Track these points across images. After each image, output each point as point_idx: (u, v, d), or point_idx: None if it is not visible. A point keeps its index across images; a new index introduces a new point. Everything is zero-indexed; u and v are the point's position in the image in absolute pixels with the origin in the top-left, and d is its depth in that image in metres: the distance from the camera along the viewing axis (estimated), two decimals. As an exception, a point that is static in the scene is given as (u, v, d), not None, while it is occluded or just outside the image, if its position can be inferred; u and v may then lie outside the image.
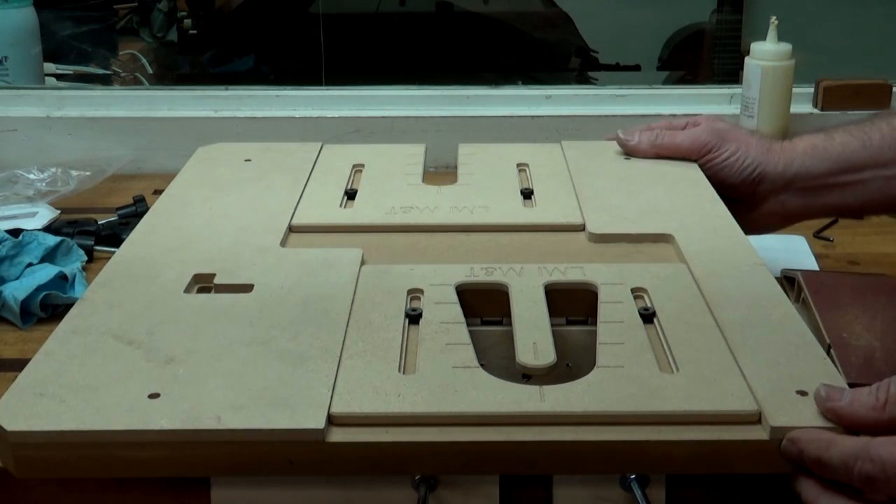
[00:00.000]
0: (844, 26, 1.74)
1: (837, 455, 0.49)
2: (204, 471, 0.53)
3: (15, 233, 0.89)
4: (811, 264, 0.91)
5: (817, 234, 0.99)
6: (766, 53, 1.10)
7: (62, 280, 0.83)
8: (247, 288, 0.66)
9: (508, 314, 0.63)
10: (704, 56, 1.83)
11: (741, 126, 0.89)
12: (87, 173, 1.11)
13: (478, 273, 0.68)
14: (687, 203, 0.79)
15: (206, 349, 0.58)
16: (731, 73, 1.62)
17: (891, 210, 0.85)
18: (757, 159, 0.82)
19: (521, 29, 1.93)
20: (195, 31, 1.90)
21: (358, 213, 0.79)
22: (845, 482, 0.49)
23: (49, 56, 1.45)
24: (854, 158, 0.80)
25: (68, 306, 0.66)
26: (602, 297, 0.64)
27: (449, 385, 0.54)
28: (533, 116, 1.18)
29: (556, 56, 1.93)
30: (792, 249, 0.88)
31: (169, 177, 0.87)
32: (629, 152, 0.89)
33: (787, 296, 0.67)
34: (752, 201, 0.83)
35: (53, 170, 1.12)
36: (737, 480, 0.54)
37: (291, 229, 0.77)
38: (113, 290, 0.66)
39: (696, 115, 1.18)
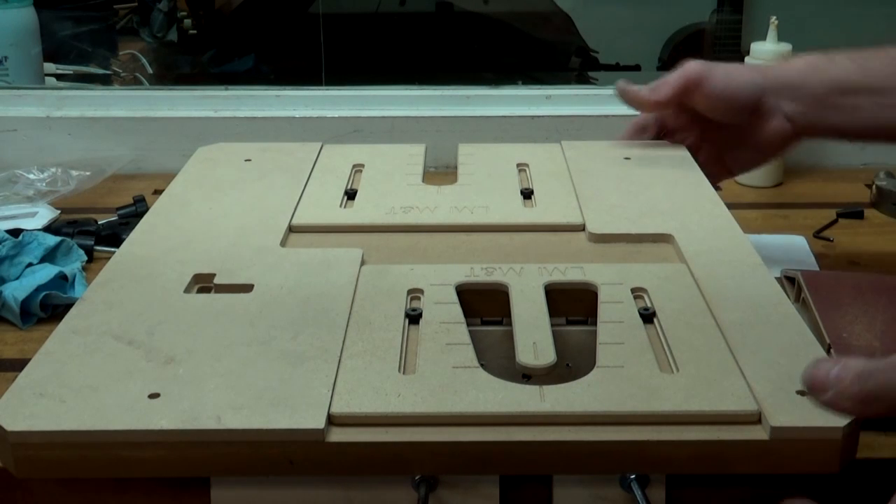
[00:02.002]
0: (844, 26, 1.74)
1: None
2: (204, 471, 0.53)
3: (15, 233, 0.89)
4: (811, 264, 0.91)
5: (817, 235, 0.99)
6: (766, 53, 1.10)
7: (62, 280, 0.83)
8: (247, 288, 0.66)
9: (508, 314, 0.63)
10: (704, 56, 1.83)
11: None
12: (87, 173, 1.11)
13: (478, 273, 0.68)
14: (687, 203, 0.79)
15: (206, 349, 0.58)
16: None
17: (885, 139, 0.85)
18: (753, 75, 0.84)
19: (521, 29, 1.93)
20: (195, 31, 1.90)
21: (358, 213, 0.79)
22: None
23: (49, 56, 1.45)
24: (850, 81, 0.81)
25: (68, 306, 0.66)
26: (602, 297, 0.65)
27: (449, 385, 0.54)
28: (533, 116, 1.18)
29: (556, 56, 1.93)
30: (792, 249, 0.88)
31: (169, 177, 0.87)
32: (634, 102, 0.88)
33: (787, 296, 0.67)
34: (755, 120, 0.83)
35: (53, 170, 1.12)
36: (737, 480, 0.54)
37: (291, 229, 0.77)
38: (113, 290, 0.66)
39: None
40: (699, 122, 0.88)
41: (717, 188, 0.83)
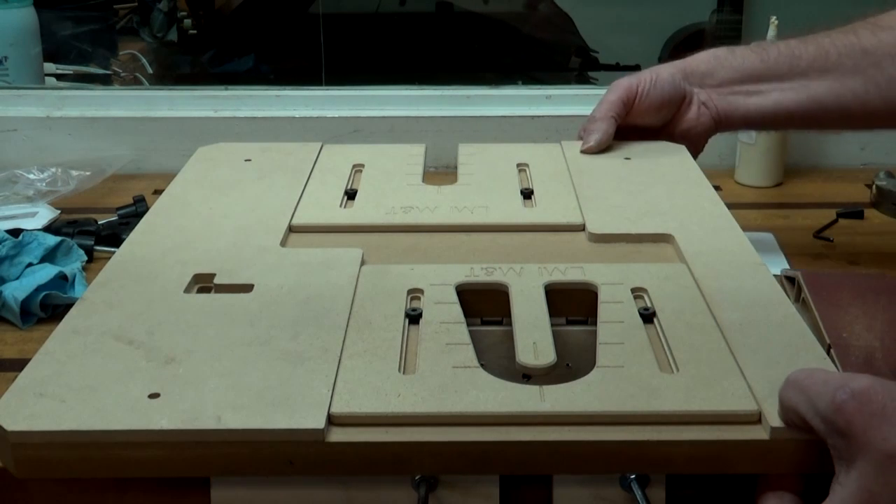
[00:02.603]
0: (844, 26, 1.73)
1: None
2: (204, 471, 0.53)
3: (15, 233, 0.89)
4: (780, 262, 0.91)
5: (817, 235, 0.99)
6: (766, 53, 1.09)
7: (62, 280, 0.83)
8: (247, 288, 0.66)
9: (508, 314, 0.63)
10: (705, 56, 1.83)
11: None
12: (87, 173, 1.11)
13: (478, 273, 0.68)
14: (687, 203, 0.79)
15: (206, 349, 0.58)
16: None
17: (793, 124, 0.91)
18: (679, 64, 0.89)
19: (521, 29, 1.93)
20: (195, 31, 1.90)
21: (358, 213, 0.79)
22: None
23: (49, 56, 1.45)
24: (752, 70, 0.86)
25: (68, 306, 0.66)
26: (602, 297, 0.65)
27: (449, 385, 0.54)
28: (533, 116, 1.18)
29: (556, 56, 1.93)
30: (760, 248, 0.86)
31: (169, 177, 0.87)
32: (594, 151, 0.90)
33: (787, 296, 0.67)
34: (679, 112, 0.89)
35: (53, 170, 1.12)
36: (737, 480, 0.54)
37: (291, 229, 0.77)
38: (113, 290, 0.66)
39: None
40: (629, 130, 0.92)
41: (717, 188, 0.83)
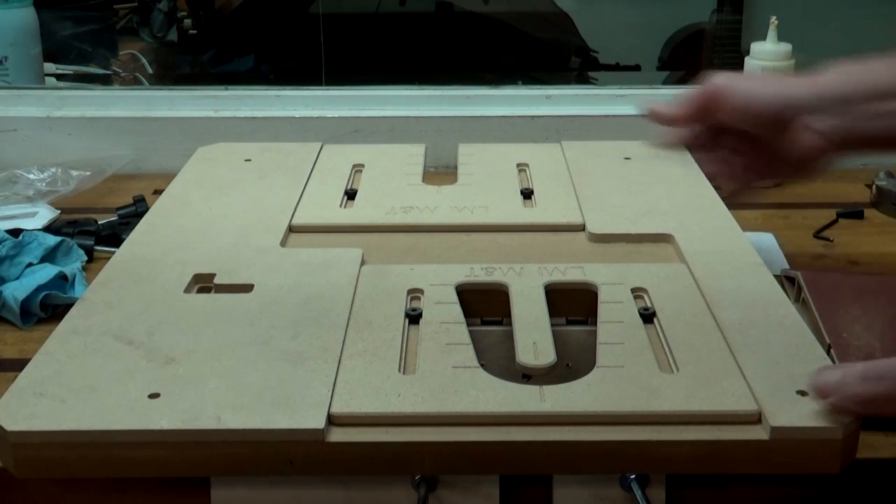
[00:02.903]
0: (844, 26, 1.74)
1: None
2: (204, 471, 0.53)
3: (15, 233, 0.89)
4: (780, 262, 0.91)
5: (817, 235, 0.99)
6: (766, 53, 1.09)
7: (62, 280, 0.83)
8: (247, 288, 0.66)
9: (508, 314, 0.63)
10: (704, 56, 1.83)
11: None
12: (87, 173, 1.11)
13: (478, 273, 0.68)
14: (687, 203, 0.79)
15: (206, 349, 0.58)
16: (731, 74, 1.61)
17: None
18: (779, 87, 0.77)
19: (521, 29, 1.93)
20: (195, 31, 1.90)
21: (358, 213, 0.79)
22: None
23: (49, 56, 1.45)
24: (884, 85, 0.75)
25: (68, 306, 0.66)
26: (602, 297, 0.65)
27: (449, 385, 0.54)
28: (533, 116, 1.18)
29: (556, 56, 1.93)
30: (760, 248, 0.86)
31: (169, 177, 0.87)
32: (661, 119, 0.83)
33: (787, 296, 0.67)
34: (781, 130, 0.76)
35: (53, 170, 1.11)
36: (737, 480, 0.54)
37: (291, 229, 0.77)
38: (113, 290, 0.66)
39: None
40: (730, 135, 0.82)
41: (717, 188, 0.83)
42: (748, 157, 0.82)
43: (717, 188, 0.83)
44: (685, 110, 0.81)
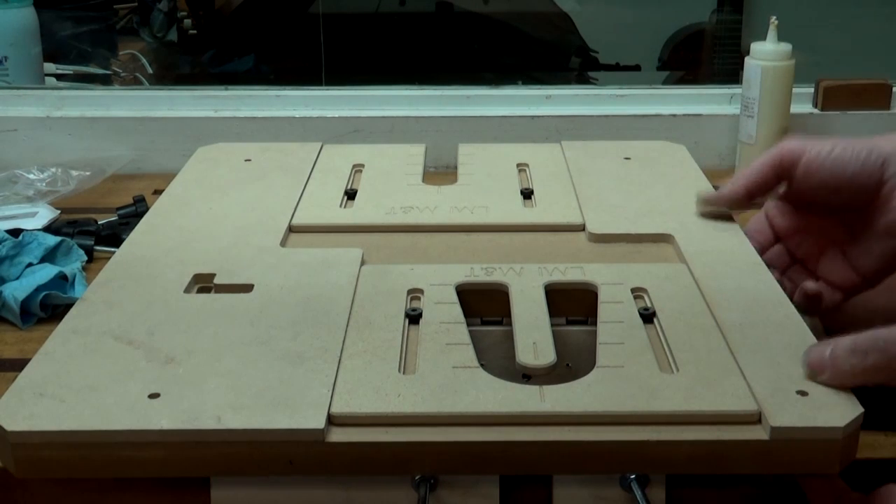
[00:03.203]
0: (844, 26, 1.74)
1: None
2: (204, 471, 0.53)
3: (15, 233, 0.89)
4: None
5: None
6: (766, 53, 1.09)
7: (62, 280, 0.83)
8: (247, 288, 0.66)
9: (508, 314, 0.63)
10: (704, 56, 1.83)
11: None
12: (87, 173, 1.11)
13: (478, 273, 0.68)
14: (687, 203, 0.79)
15: (206, 349, 0.58)
16: (731, 73, 1.62)
17: None
18: (869, 143, 0.66)
19: (521, 29, 1.93)
20: (195, 31, 1.90)
21: (358, 213, 0.79)
22: None
23: (49, 56, 1.45)
24: None
25: (68, 306, 0.66)
26: (602, 297, 0.65)
27: (449, 385, 0.54)
28: (533, 116, 1.18)
29: (556, 56, 1.93)
30: None
31: (169, 177, 0.87)
32: (715, 203, 0.75)
33: (787, 296, 0.67)
34: (881, 196, 0.66)
35: (53, 170, 1.11)
36: (737, 480, 0.54)
37: (291, 229, 0.77)
38: (113, 290, 0.66)
39: (698, 115, 1.18)
40: (811, 218, 0.71)
41: (716, 188, 0.83)
42: (833, 248, 0.70)
43: (717, 188, 0.83)
44: (754, 181, 0.70)
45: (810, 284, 0.67)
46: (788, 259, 0.72)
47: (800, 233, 0.72)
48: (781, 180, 0.69)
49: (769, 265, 0.70)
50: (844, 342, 0.54)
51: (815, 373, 0.54)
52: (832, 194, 0.67)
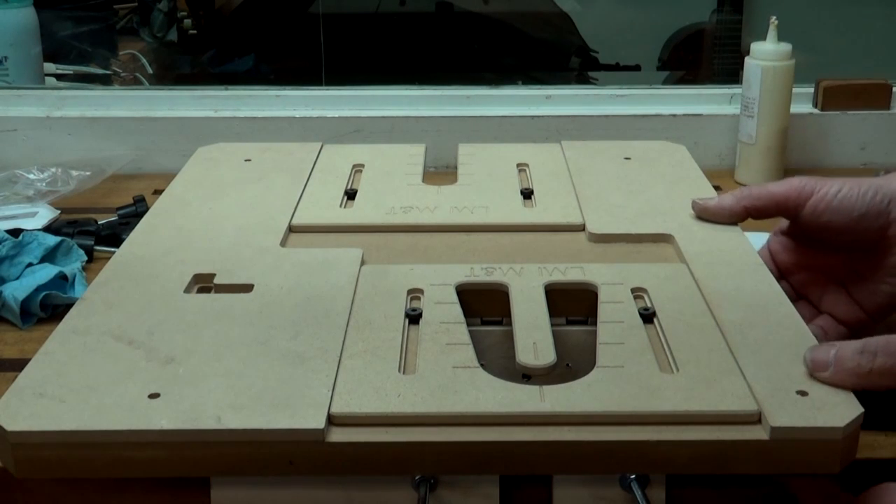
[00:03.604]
0: (844, 26, 1.74)
1: None
2: (204, 471, 0.53)
3: (15, 233, 0.89)
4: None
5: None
6: (766, 53, 1.10)
7: (62, 280, 0.83)
8: (247, 288, 0.66)
9: (508, 314, 0.63)
10: (704, 56, 1.83)
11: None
12: (87, 173, 1.11)
13: (478, 273, 0.68)
14: (687, 203, 0.79)
15: (206, 349, 0.58)
16: (731, 73, 1.62)
17: None
18: (875, 183, 0.66)
19: (521, 29, 1.93)
20: (195, 31, 1.90)
21: (358, 213, 0.79)
22: None
23: (49, 56, 1.45)
24: None
25: (68, 306, 0.66)
26: (602, 297, 0.65)
27: (449, 385, 0.54)
28: (533, 116, 1.18)
29: (556, 56, 1.93)
30: (760, 247, 0.84)
31: (169, 177, 0.87)
32: (712, 215, 0.75)
33: (787, 296, 0.67)
34: (888, 237, 0.66)
35: (53, 170, 1.12)
36: (737, 480, 0.54)
37: (291, 229, 0.77)
38: (113, 290, 0.66)
39: (698, 115, 1.18)
40: (816, 255, 0.72)
41: (717, 188, 0.83)
42: (836, 285, 0.71)
43: (717, 188, 0.83)
44: (756, 204, 0.71)
45: (813, 328, 0.65)
46: (793, 294, 0.72)
47: (804, 269, 0.72)
48: (781, 215, 0.70)
49: None
50: (852, 343, 0.54)
51: (817, 368, 0.54)
52: (839, 234, 0.67)
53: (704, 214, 0.76)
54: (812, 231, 0.69)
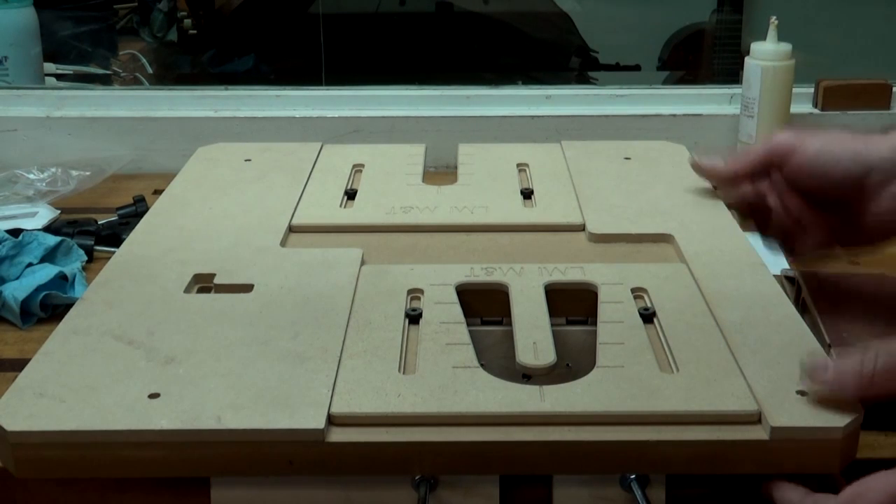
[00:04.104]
0: (844, 26, 1.74)
1: None
2: (204, 471, 0.53)
3: (15, 233, 0.89)
4: (780, 262, 0.90)
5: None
6: (766, 53, 1.09)
7: (62, 280, 0.83)
8: (247, 288, 0.66)
9: (508, 314, 0.63)
10: (704, 56, 1.83)
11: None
12: (87, 173, 1.11)
13: (478, 273, 0.68)
14: (687, 203, 0.79)
15: (206, 349, 0.58)
16: (731, 73, 1.61)
17: None
18: (853, 146, 0.69)
19: (521, 29, 1.93)
20: (195, 31, 1.90)
21: (358, 213, 0.79)
22: None
23: (49, 56, 1.45)
24: None
25: (68, 306, 0.66)
26: (602, 297, 0.65)
27: (449, 385, 0.54)
28: (533, 116, 1.18)
29: (556, 56, 1.93)
30: (760, 248, 0.85)
31: (169, 177, 0.87)
32: (703, 172, 0.79)
33: (787, 296, 0.67)
34: (861, 198, 0.69)
35: (53, 170, 1.11)
36: (737, 480, 0.54)
37: (291, 229, 0.77)
38: (113, 290, 0.66)
39: (698, 115, 1.18)
40: (799, 201, 0.73)
41: (716, 188, 0.83)
42: (816, 229, 0.73)
43: (717, 188, 0.83)
44: (742, 166, 0.74)
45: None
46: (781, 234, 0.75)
47: (784, 210, 0.74)
48: (769, 171, 0.72)
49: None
50: (851, 350, 0.53)
51: (816, 373, 0.53)
52: (812, 187, 0.70)
53: (696, 172, 0.79)
54: (797, 184, 0.71)
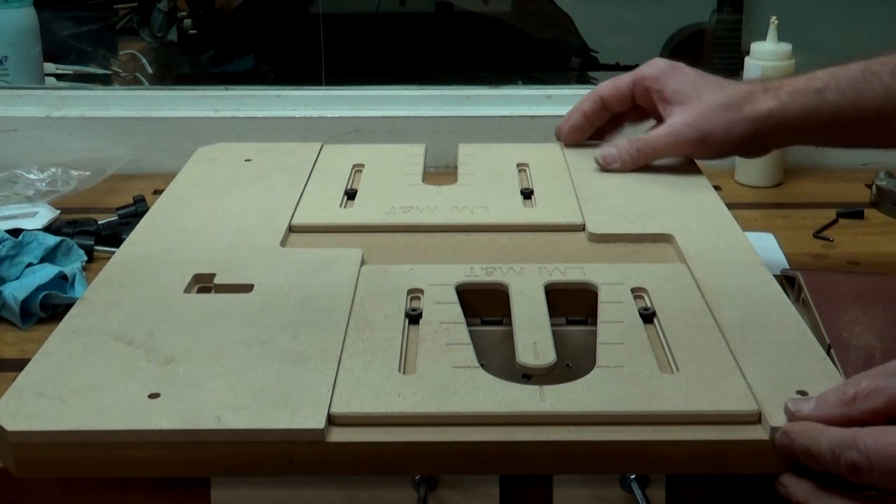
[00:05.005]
0: (844, 26, 1.74)
1: (826, 444, 0.49)
2: (204, 471, 0.53)
3: (15, 233, 0.89)
4: (780, 262, 0.90)
5: (817, 234, 0.99)
6: (766, 53, 1.09)
7: (62, 280, 0.83)
8: (247, 288, 0.66)
9: (508, 314, 0.63)
10: (704, 56, 1.83)
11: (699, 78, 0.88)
12: (87, 173, 1.11)
13: (478, 273, 0.68)
14: (687, 203, 0.79)
15: (206, 349, 0.58)
16: (731, 73, 1.61)
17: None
18: (704, 129, 0.82)
19: (521, 29, 1.93)
20: (195, 31, 1.90)
21: (358, 213, 0.79)
22: (833, 472, 0.49)
23: (49, 56, 1.45)
24: (846, 120, 0.80)
25: (68, 306, 0.66)
26: (602, 297, 0.65)
27: (449, 385, 0.54)
28: (533, 116, 1.18)
29: (556, 56, 1.93)
30: (760, 248, 0.86)
31: (169, 177, 0.87)
32: (615, 169, 0.87)
33: (787, 296, 0.67)
34: (758, 152, 0.88)
35: (53, 170, 1.12)
36: (737, 480, 0.54)
37: (291, 229, 0.77)
38: (113, 290, 0.66)
39: None
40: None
41: (717, 188, 0.83)
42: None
43: (717, 188, 0.83)
44: (572, 120, 0.92)
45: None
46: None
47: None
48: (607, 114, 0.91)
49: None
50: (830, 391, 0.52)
51: (796, 414, 0.52)
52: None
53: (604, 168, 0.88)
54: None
